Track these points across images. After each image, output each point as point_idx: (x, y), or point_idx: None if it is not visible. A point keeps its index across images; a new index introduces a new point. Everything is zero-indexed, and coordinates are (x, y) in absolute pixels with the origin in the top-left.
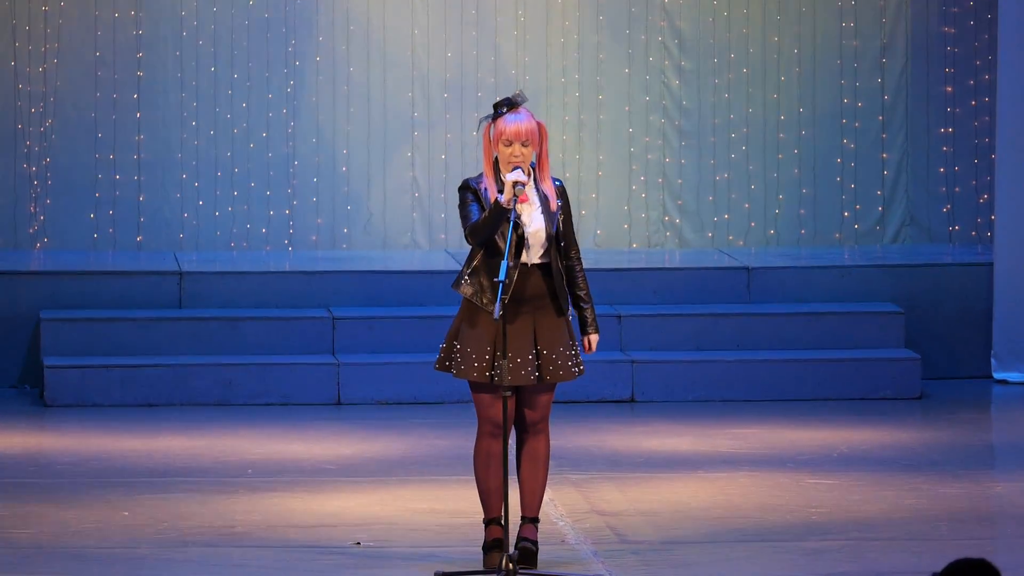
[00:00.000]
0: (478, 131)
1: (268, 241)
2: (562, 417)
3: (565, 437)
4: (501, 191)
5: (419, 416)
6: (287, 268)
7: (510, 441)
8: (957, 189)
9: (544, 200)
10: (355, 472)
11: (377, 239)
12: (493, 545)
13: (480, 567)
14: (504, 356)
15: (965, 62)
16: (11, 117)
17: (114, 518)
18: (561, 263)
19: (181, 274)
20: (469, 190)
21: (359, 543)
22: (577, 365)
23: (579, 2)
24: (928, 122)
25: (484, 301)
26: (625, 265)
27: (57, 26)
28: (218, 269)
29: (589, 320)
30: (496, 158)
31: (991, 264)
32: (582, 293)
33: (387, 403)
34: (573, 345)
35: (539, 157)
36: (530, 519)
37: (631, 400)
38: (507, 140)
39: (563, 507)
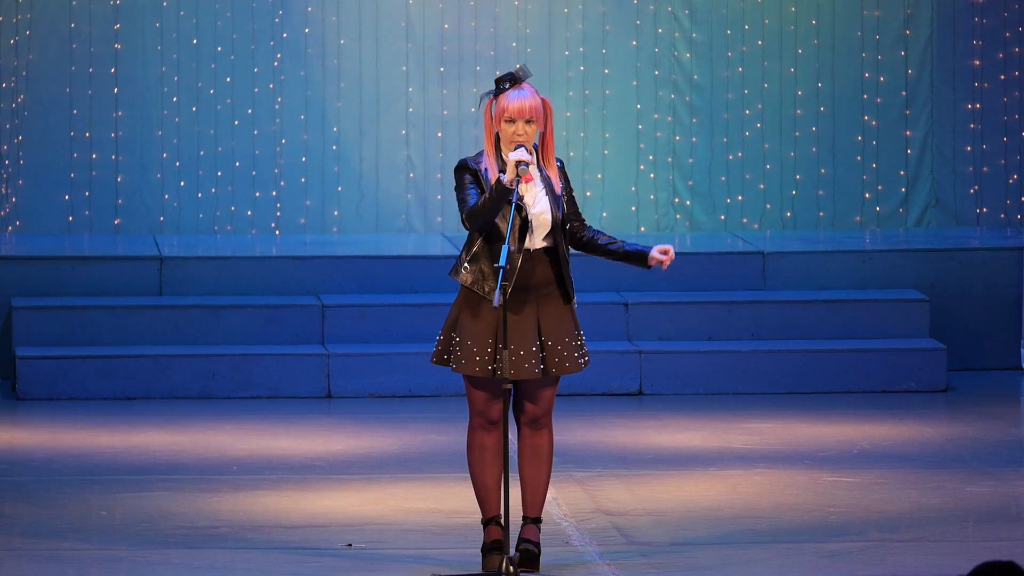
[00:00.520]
0: (479, 107)
1: (254, 224)
2: (566, 411)
3: (569, 432)
4: (502, 171)
5: (414, 410)
6: (274, 253)
7: (511, 437)
8: (985, 169)
9: (548, 181)
10: (346, 469)
11: (369, 222)
12: (492, 547)
13: (479, 570)
14: (504, 347)
15: (994, 34)
16: None
17: (90, 518)
18: (567, 247)
19: (161, 259)
20: (467, 170)
21: (350, 545)
22: (582, 356)
23: None
24: (954, 98)
25: (486, 289)
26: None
27: None
28: (201, 254)
29: (639, 247)
30: (497, 137)
31: (1021, 248)
32: (608, 240)
33: (380, 396)
34: (579, 335)
35: (543, 136)
36: (532, 519)
37: (639, 393)
38: (509, 117)
39: (567, 506)
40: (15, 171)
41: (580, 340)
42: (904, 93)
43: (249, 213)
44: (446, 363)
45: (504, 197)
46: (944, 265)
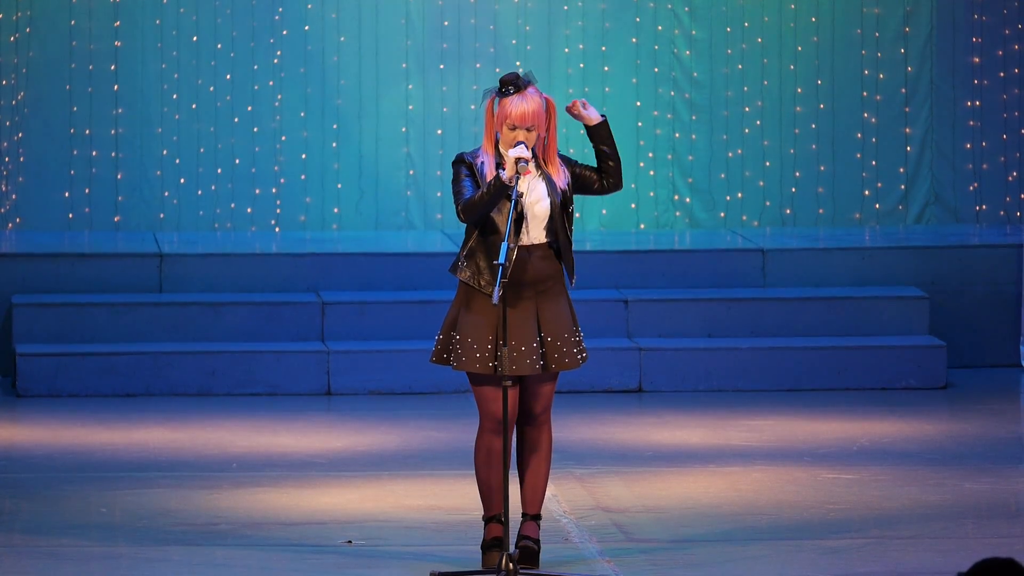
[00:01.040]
0: (481, 103)
1: (253, 221)
2: (565, 408)
3: (569, 429)
4: (499, 166)
5: (414, 407)
6: (274, 250)
7: (511, 435)
8: (985, 166)
9: (548, 176)
10: (346, 466)
11: (369, 219)
12: (492, 544)
13: (479, 567)
14: (505, 344)
15: (993, 31)
16: None
17: (90, 515)
18: (568, 233)
19: (161, 256)
20: (463, 164)
21: (350, 542)
22: (581, 352)
23: None
24: (954, 95)
25: (482, 283)
26: (632, 247)
27: None
28: (200, 251)
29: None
30: (497, 136)
31: (1021, 245)
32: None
33: (380, 393)
34: (577, 331)
35: (547, 135)
36: (531, 516)
37: (639, 390)
38: (511, 124)
39: (567, 503)
40: (15, 168)
41: (579, 336)
42: (904, 90)
43: (249, 210)
44: (446, 362)
45: (501, 193)
46: (944, 262)
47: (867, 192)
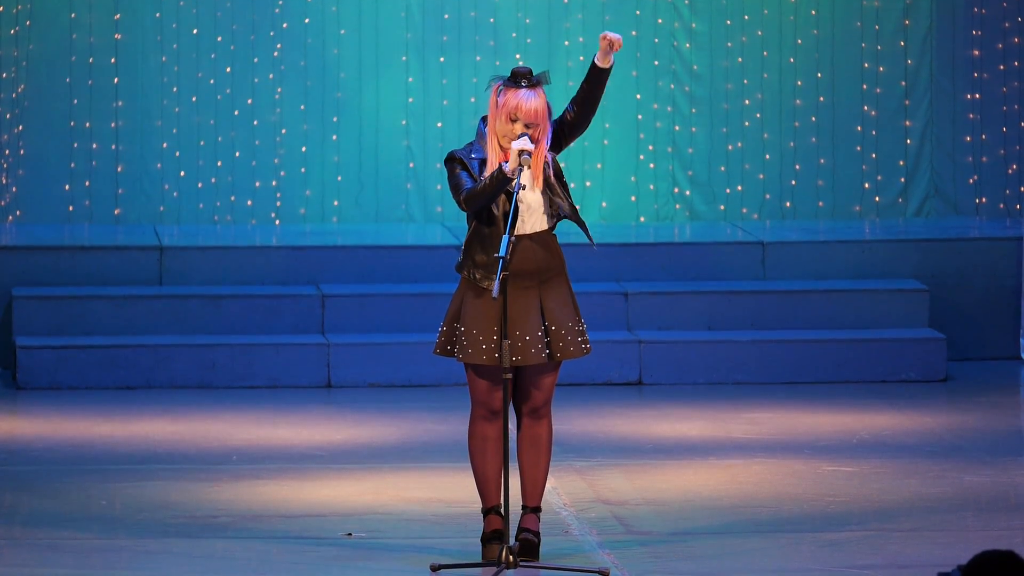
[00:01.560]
0: (486, 87)
1: (253, 214)
2: (566, 400)
3: (569, 421)
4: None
5: (414, 400)
6: (274, 243)
7: (510, 426)
8: (984, 159)
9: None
10: (346, 459)
11: (369, 212)
12: (492, 536)
13: (478, 559)
14: (504, 336)
15: (993, 24)
16: None
17: (90, 507)
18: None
19: (161, 249)
20: (456, 161)
21: (350, 534)
22: (584, 342)
23: None
24: (954, 88)
25: (476, 277)
26: (632, 240)
27: None
28: (200, 244)
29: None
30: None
31: (1020, 239)
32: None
33: (380, 386)
34: (580, 321)
35: (543, 135)
36: (531, 509)
37: (639, 383)
38: (513, 116)
39: (566, 496)
40: (15, 161)
41: (582, 326)
42: (903, 83)
43: (249, 203)
44: (450, 354)
45: (503, 185)
46: (943, 255)
47: (867, 185)
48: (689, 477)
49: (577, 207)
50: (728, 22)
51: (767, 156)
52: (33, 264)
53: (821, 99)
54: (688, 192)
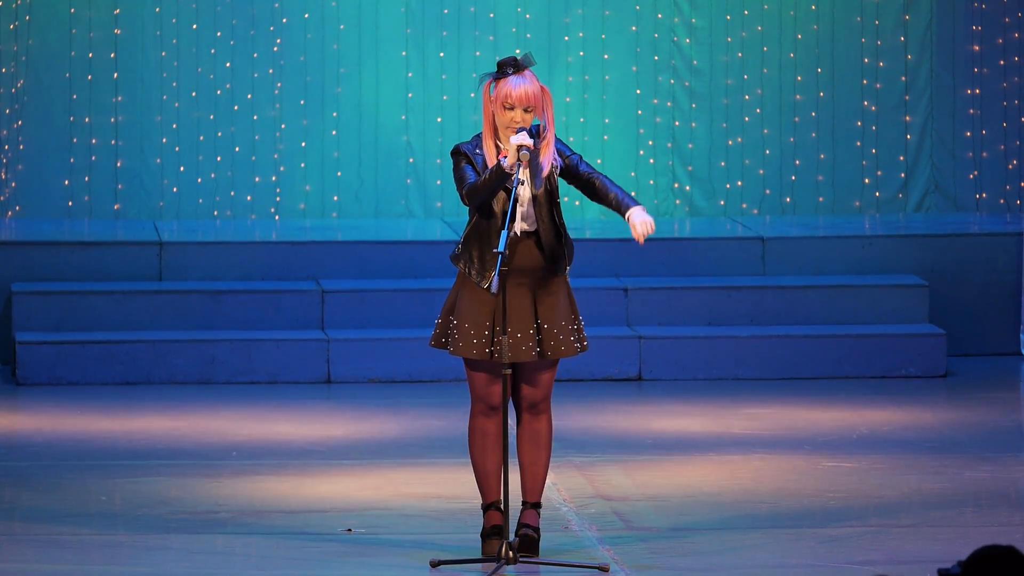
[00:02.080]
0: (478, 88)
1: (253, 209)
2: (565, 396)
3: (569, 417)
4: (500, 153)
5: (414, 395)
6: (273, 238)
7: (510, 422)
8: (984, 154)
9: (532, 165)
10: (346, 455)
11: (369, 207)
12: (492, 532)
13: (478, 555)
14: (504, 331)
15: (993, 18)
16: None
17: (90, 503)
18: (559, 220)
19: (161, 244)
20: (461, 155)
21: (350, 530)
22: (580, 341)
23: None
24: (954, 83)
25: (472, 273)
26: (632, 235)
27: None
28: (200, 239)
29: (625, 200)
30: (495, 119)
31: (1020, 234)
32: (609, 186)
33: (380, 381)
34: (576, 319)
35: (547, 124)
36: (531, 504)
37: (638, 378)
38: (509, 104)
39: (566, 492)
40: (15, 156)
41: (578, 324)
42: (904, 78)
43: (249, 198)
44: (444, 346)
45: (503, 180)
46: (943, 251)
47: (867, 180)
48: (689, 473)
49: (560, 229)
50: (728, 17)
51: (767, 151)
52: (33, 259)
53: (821, 94)
54: (688, 187)
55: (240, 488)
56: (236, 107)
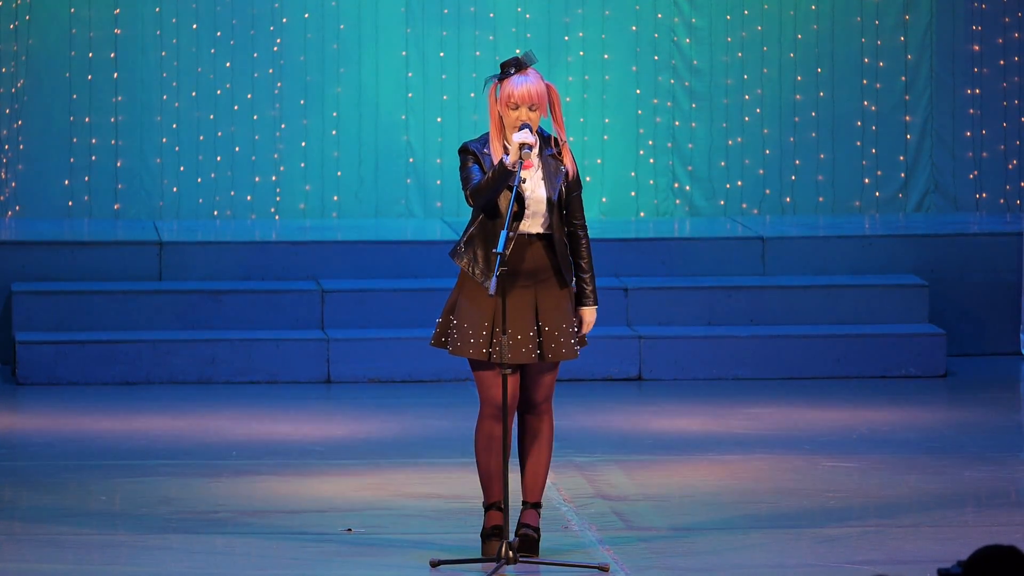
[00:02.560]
0: (484, 90)
1: (253, 209)
2: (565, 396)
3: (569, 417)
4: (506, 154)
5: (414, 395)
6: (273, 238)
7: (512, 422)
8: (984, 154)
9: (548, 167)
10: (346, 455)
11: (369, 207)
12: (492, 532)
13: (478, 555)
14: (503, 332)
15: (993, 18)
16: None
17: (90, 503)
18: (564, 233)
19: (161, 244)
20: (469, 153)
21: (350, 530)
22: (580, 342)
23: None
24: (954, 83)
25: (476, 272)
26: (632, 235)
27: None
28: (200, 239)
29: (587, 292)
30: (502, 121)
31: (1020, 234)
32: (583, 262)
33: (379, 381)
34: (576, 322)
35: (554, 120)
36: (532, 504)
37: (638, 378)
38: (514, 103)
39: (567, 492)
40: (15, 156)
41: (577, 326)
42: (904, 78)
43: (248, 198)
44: (444, 346)
45: (506, 178)
46: (943, 250)
47: (867, 180)
48: (689, 473)
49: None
50: (728, 17)
51: (767, 151)
52: (33, 259)
53: (821, 94)
54: (688, 187)
55: (240, 488)
56: (236, 107)
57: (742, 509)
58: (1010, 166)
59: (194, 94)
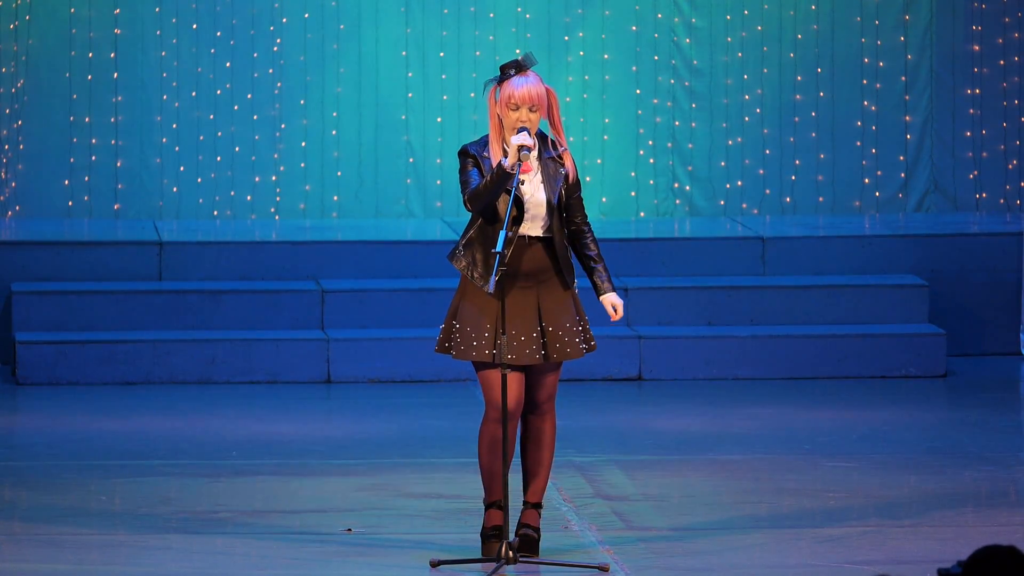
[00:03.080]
0: (483, 94)
1: (253, 209)
2: (566, 396)
3: (569, 417)
4: (505, 157)
5: (414, 395)
6: (273, 238)
7: (514, 424)
8: (984, 154)
9: (548, 168)
10: (346, 455)
11: (369, 207)
12: (492, 532)
13: (478, 555)
14: (503, 332)
15: (993, 18)
16: None
17: (90, 503)
18: (565, 233)
19: (161, 244)
20: (469, 156)
21: (350, 530)
22: (586, 342)
23: None
24: (954, 83)
25: (475, 275)
26: (632, 235)
27: None
28: (200, 239)
29: (604, 280)
30: (502, 124)
31: (1020, 234)
32: (593, 254)
33: (379, 381)
34: (581, 321)
35: (552, 124)
36: (532, 504)
37: (638, 378)
38: (514, 104)
39: (567, 492)
40: (15, 156)
41: (583, 325)
42: (904, 78)
43: (248, 198)
44: (448, 351)
45: (504, 181)
46: (943, 250)
47: (867, 180)
48: (689, 473)
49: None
50: (728, 17)
51: (767, 151)
52: (32, 259)
53: (821, 94)
54: (688, 187)
55: (240, 488)
56: (236, 107)
57: (742, 509)
58: (1010, 166)
59: (194, 94)
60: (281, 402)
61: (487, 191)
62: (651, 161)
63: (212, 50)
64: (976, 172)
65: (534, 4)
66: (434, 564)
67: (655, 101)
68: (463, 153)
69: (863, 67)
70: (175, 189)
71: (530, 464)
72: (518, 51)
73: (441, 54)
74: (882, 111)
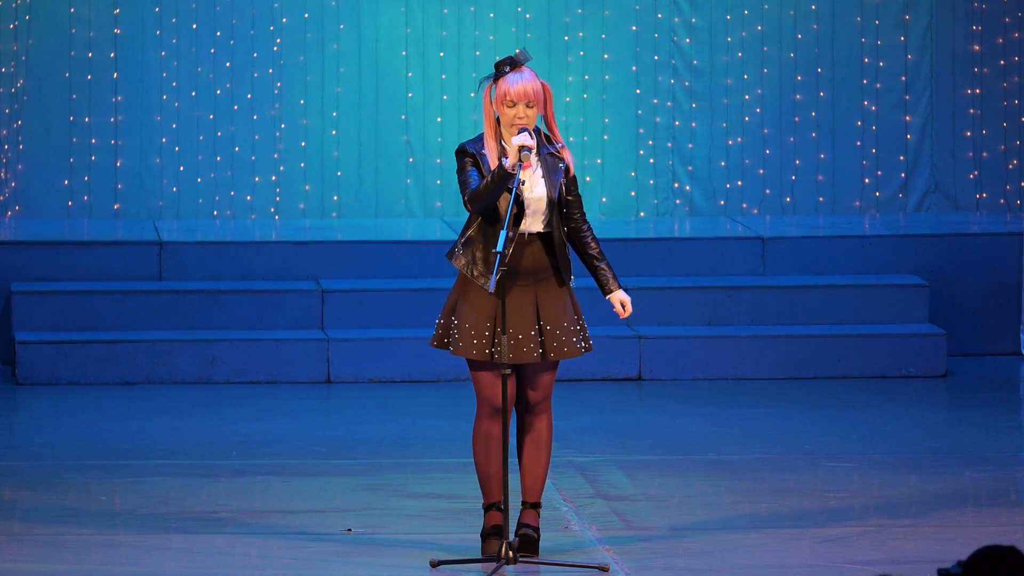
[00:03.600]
0: (478, 91)
1: (253, 209)
2: (565, 396)
3: (569, 417)
4: (503, 155)
5: (414, 395)
6: (273, 238)
7: (511, 422)
8: (985, 154)
9: (547, 165)
10: (346, 455)
11: (369, 207)
12: (492, 532)
13: (478, 555)
14: (504, 332)
15: (993, 18)
16: None
17: (90, 503)
18: (564, 230)
19: (161, 244)
20: (467, 155)
21: (350, 530)
22: (583, 341)
23: None
24: (954, 83)
25: (475, 274)
26: (632, 235)
27: None
28: (200, 239)
29: (609, 277)
30: (498, 121)
31: (1021, 234)
32: (594, 252)
33: (379, 381)
34: (579, 320)
35: (546, 120)
36: (531, 504)
37: (638, 378)
38: (510, 101)
39: (566, 492)
40: (14, 156)
41: (580, 325)
42: (904, 78)
43: (248, 198)
44: (445, 346)
45: (505, 181)
46: (943, 250)
47: (867, 180)
48: (689, 473)
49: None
50: (728, 17)
51: (767, 151)
52: (32, 259)
53: (821, 94)
54: (688, 187)
55: (240, 488)
56: (236, 107)
57: (742, 509)
58: (1010, 166)
59: (194, 94)
60: (281, 402)
61: (488, 192)
62: (651, 161)
63: (212, 50)
64: (976, 172)
65: (534, 4)
66: (434, 564)
67: (655, 101)
68: (461, 152)
69: (863, 67)
70: (175, 189)
71: (528, 464)
72: (517, 51)
73: (441, 54)
74: (882, 111)
